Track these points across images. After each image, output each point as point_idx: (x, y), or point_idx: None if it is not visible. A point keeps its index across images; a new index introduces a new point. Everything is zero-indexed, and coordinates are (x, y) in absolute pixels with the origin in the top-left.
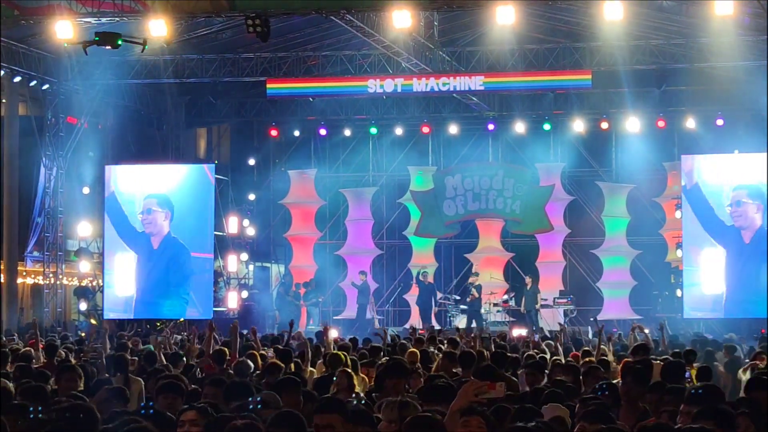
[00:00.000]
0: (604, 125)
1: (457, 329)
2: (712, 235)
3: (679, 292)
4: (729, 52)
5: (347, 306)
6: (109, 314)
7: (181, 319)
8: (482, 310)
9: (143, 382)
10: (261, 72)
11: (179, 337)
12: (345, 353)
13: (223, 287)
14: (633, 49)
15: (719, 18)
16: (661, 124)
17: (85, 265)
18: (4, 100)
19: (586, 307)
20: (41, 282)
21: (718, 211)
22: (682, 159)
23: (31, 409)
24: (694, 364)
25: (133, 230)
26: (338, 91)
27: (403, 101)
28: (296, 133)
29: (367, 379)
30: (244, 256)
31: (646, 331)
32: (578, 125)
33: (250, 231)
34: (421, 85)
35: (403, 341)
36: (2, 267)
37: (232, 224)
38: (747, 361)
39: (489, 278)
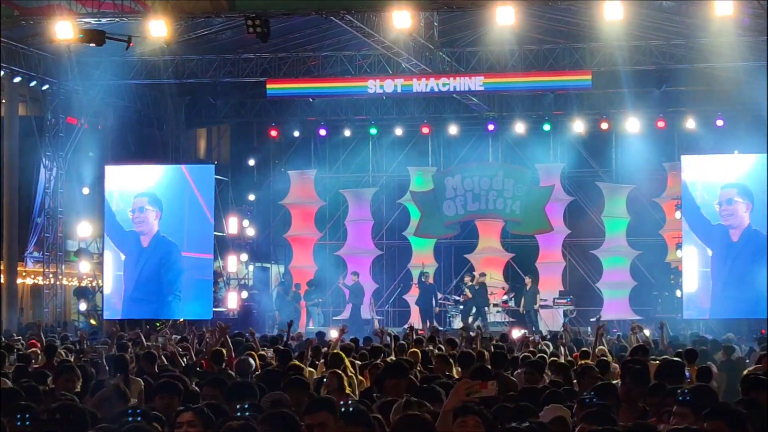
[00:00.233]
0: (604, 126)
1: (462, 329)
2: (698, 235)
3: (678, 293)
4: (729, 52)
5: (346, 307)
6: (106, 314)
7: (181, 320)
8: (487, 310)
9: (143, 383)
10: (261, 72)
11: (178, 337)
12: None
13: (222, 288)
14: (633, 49)
15: (719, 18)
16: (660, 124)
17: (84, 266)
18: (4, 101)
19: (585, 308)
20: (41, 282)
21: (704, 210)
22: (682, 159)
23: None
24: (696, 365)
25: (120, 229)
26: (338, 92)
27: (403, 102)
28: (296, 133)
29: (364, 380)
30: (244, 257)
31: (646, 332)
32: (578, 126)
33: (250, 231)
34: (421, 85)
35: (402, 342)
36: (2, 267)
37: (232, 225)
38: (747, 361)
39: (489, 279)
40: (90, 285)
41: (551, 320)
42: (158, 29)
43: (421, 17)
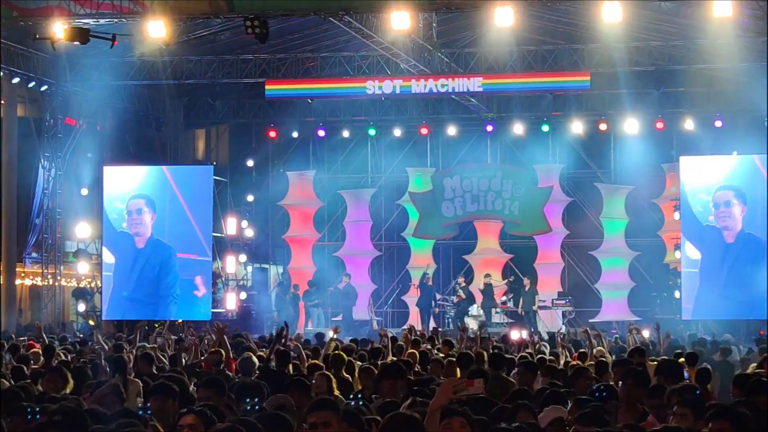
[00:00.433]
0: (603, 126)
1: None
2: (689, 236)
3: (677, 294)
4: (728, 53)
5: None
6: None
7: (179, 321)
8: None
9: (141, 384)
10: (259, 73)
11: (175, 338)
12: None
13: (221, 288)
14: (631, 50)
15: (718, 20)
16: (659, 125)
17: (83, 266)
18: (2, 102)
19: (584, 309)
20: (40, 283)
21: (698, 211)
22: (681, 160)
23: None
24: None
25: (112, 229)
26: (337, 93)
27: (402, 102)
28: (295, 134)
29: (353, 383)
30: (243, 258)
31: (645, 333)
32: (577, 126)
33: (249, 232)
34: (419, 86)
35: (401, 343)
36: (1, 268)
37: (231, 225)
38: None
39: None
40: (88, 286)
41: (550, 321)
42: (157, 30)
43: (419, 18)
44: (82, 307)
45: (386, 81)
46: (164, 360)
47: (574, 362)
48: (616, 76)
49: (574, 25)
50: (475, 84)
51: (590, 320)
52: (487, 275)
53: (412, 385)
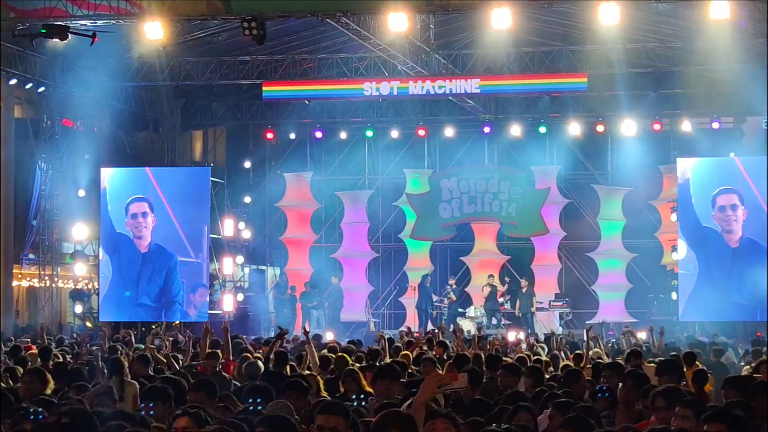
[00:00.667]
0: (600, 128)
1: (454, 332)
2: (687, 237)
3: (674, 295)
4: (725, 55)
5: (343, 309)
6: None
7: (176, 322)
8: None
9: (138, 386)
10: (257, 75)
11: (172, 338)
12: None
13: (218, 290)
14: (629, 52)
15: (715, 21)
16: (656, 127)
17: (80, 268)
18: (0, 103)
19: (581, 310)
20: (37, 285)
21: (695, 211)
22: (678, 162)
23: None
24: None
25: (111, 230)
26: (334, 94)
27: (399, 104)
28: (292, 135)
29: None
30: (240, 259)
31: (643, 335)
32: (574, 128)
33: (246, 234)
34: (417, 88)
35: (398, 344)
36: None
37: (228, 227)
38: (742, 364)
39: (484, 281)
40: (86, 287)
41: (547, 323)
42: (154, 31)
43: (417, 20)
44: (79, 308)
45: (383, 83)
46: (163, 360)
47: (569, 362)
48: (614, 77)
49: (572, 26)
50: (472, 85)
51: (587, 322)
52: (491, 276)
53: (409, 386)
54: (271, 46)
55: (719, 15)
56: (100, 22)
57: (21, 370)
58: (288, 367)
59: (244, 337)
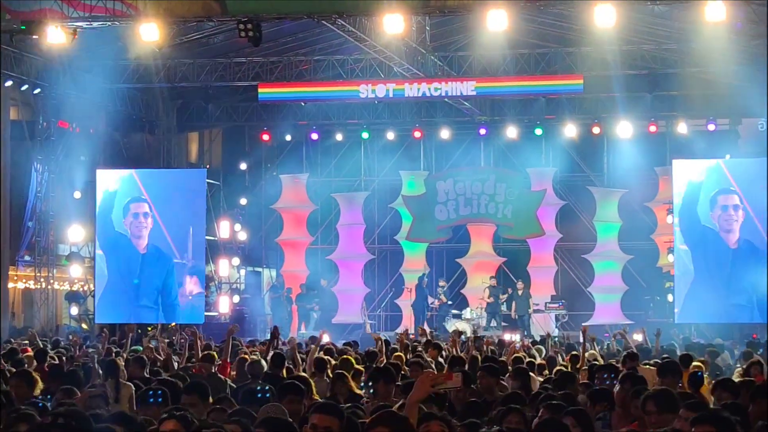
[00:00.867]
0: (596, 130)
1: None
2: (684, 235)
3: (670, 297)
4: (720, 57)
5: (338, 311)
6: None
7: (173, 324)
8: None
9: (133, 387)
10: (253, 76)
11: (167, 340)
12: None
13: (214, 292)
14: (624, 54)
15: (711, 23)
16: (652, 128)
17: (76, 270)
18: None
19: (577, 312)
20: (32, 287)
21: (693, 210)
22: (674, 164)
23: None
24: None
25: (109, 229)
26: (330, 96)
27: (395, 106)
28: (288, 137)
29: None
30: (236, 261)
31: (638, 337)
32: (570, 130)
33: (242, 235)
34: (413, 89)
35: (394, 345)
36: None
37: (224, 229)
38: (737, 366)
39: (480, 283)
40: (81, 289)
41: (543, 325)
42: (150, 33)
43: (412, 21)
44: (74, 310)
45: (379, 84)
46: (160, 358)
47: (565, 363)
48: (609, 79)
49: (567, 28)
50: (468, 87)
51: (583, 323)
52: (492, 278)
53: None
54: (267, 48)
55: (715, 17)
56: (95, 24)
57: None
58: (285, 370)
59: (240, 339)
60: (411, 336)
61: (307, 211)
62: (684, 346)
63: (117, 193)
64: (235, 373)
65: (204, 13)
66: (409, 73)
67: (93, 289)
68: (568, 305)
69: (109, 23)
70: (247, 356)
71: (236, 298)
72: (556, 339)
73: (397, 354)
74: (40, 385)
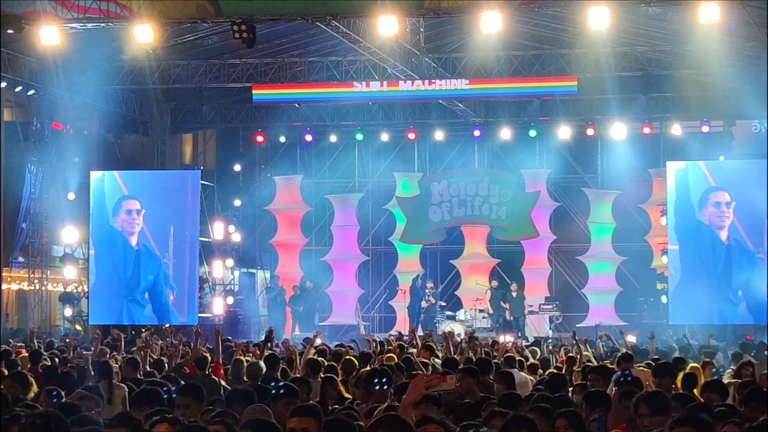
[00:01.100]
0: (590, 132)
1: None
2: (677, 232)
3: (664, 299)
4: (714, 58)
5: (332, 312)
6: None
7: (167, 325)
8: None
9: (127, 389)
10: (247, 78)
11: (161, 342)
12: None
13: (208, 293)
14: (619, 55)
15: (704, 25)
16: (646, 130)
17: (70, 271)
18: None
19: (571, 314)
20: (26, 288)
21: (686, 206)
22: (668, 165)
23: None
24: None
25: (105, 226)
26: (324, 97)
27: (389, 107)
28: (282, 139)
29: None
30: (230, 262)
31: (631, 338)
32: (564, 132)
33: (236, 237)
34: (406, 87)
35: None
36: None
37: (218, 230)
38: (732, 368)
39: (474, 284)
40: (75, 290)
41: (537, 326)
42: (144, 34)
43: (407, 23)
44: (68, 311)
45: (373, 83)
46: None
47: (560, 364)
48: (604, 81)
49: (561, 30)
50: (462, 86)
51: (577, 325)
52: (494, 280)
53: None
54: (261, 50)
55: (708, 18)
56: (89, 25)
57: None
58: (279, 371)
59: (234, 341)
60: (405, 338)
61: (301, 212)
62: (678, 348)
63: (105, 193)
64: (230, 375)
65: (198, 15)
66: (403, 75)
67: (87, 290)
68: (562, 307)
69: (103, 25)
70: (242, 358)
71: (230, 300)
72: (550, 341)
73: (389, 355)
74: (35, 388)
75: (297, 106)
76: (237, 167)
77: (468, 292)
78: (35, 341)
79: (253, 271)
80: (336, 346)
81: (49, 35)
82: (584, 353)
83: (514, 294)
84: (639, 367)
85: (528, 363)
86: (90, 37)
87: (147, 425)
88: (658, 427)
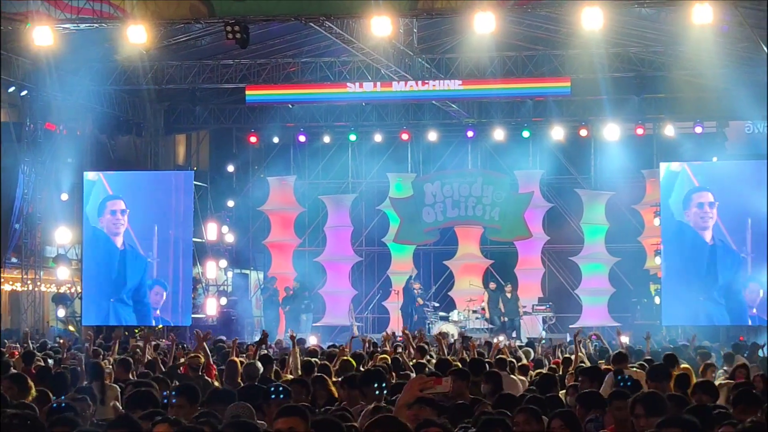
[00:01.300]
0: (583, 132)
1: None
2: (665, 235)
3: (657, 299)
4: (707, 59)
5: (326, 313)
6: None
7: (159, 326)
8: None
9: (119, 389)
10: (240, 78)
11: (154, 343)
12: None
13: (201, 294)
14: (612, 56)
15: (698, 26)
16: (639, 131)
17: (63, 272)
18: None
19: (564, 315)
20: (19, 289)
21: (672, 208)
22: (661, 166)
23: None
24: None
25: (90, 228)
26: (317, 98)
27: (383, 108)
28: (275, 139)
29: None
30: (223, 263)
31: (624, 339)
32: (557, 132)
33: (229, 238)
34: (400, 87)
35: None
36: None
37: (211, 231)
38: (725, 368)
39: (468, 285)
40: (68, 291)
41: (530, 327)
42: (137, 35)
43: (400, 24)
44: (61, 312)
45: (367, 84)
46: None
47: (553, 365)
48: (597, 81)
49: (555, 30)
50: (455, 86)
51: (571, 326)
52: (492, 282)
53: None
54: (255, 50)
55: (701, 19)
56: (83, 26)
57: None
58: (272, 372)
59: (227, 342)
60: (399, 338)
61: (295, 213)
62: (670, 349)
63: (91, 193)
64: (224, 377)
65: (191, 15)
66: (396, 75)
67: (80, 291)
68: (555, 307)
69: (96, 25)
70: (236, 359)
71: (223, 301)
72: (544, 342)
73: (382, 356)
74: (33, 392)
75: (290, 106)
76: (230, 168)
77: (461, 292)
78: (30, 342)
79: (247, 271)
80: (329, 346)
81: (42, 36)
82: (579, 354)
83: (508, 295)
84: (632, 368)
85: (519, 364)
86: (83, 37)
87: (144, 426)
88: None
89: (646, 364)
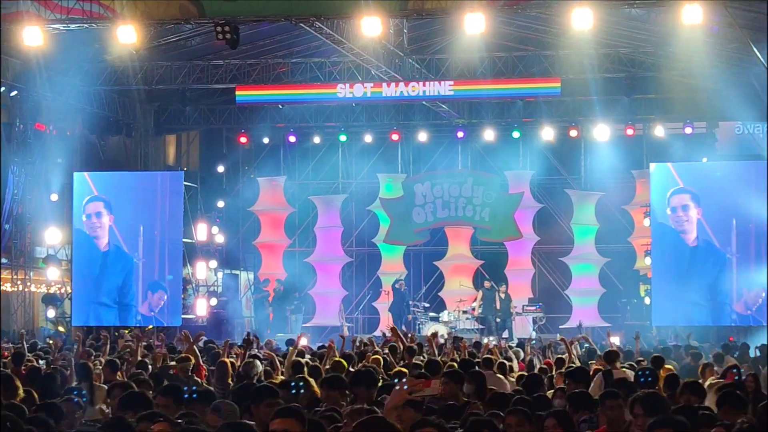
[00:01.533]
0: (573, 133)
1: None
2: (654, 238)
3: (647, 300)
4: (697, 60)
5: (316, 314)
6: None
7: (149, 327)
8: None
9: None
10: (230, 79)
11: (144, 343)
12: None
13: (191, 295)
14: (602, 57)
15: (687, 27)
16: (630, 131)
17: (53, 272)
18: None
19: (555, 315)
20: (9, 289)
21: (656, 211)
22: (651, 167)
23: None
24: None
25: (76, 230)
26: (308, 98)
27: (373, 108)
28: (265, 140)
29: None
30: (213, 264)
31: (614, 340)
32: (547, 133)
33: (219, 238)
34: (390, 89)
35: (378, 349)
36: None
37: (201, 231)
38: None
39: (458, 286)
40: (58, 292)
41: (521, 328)
42: (127, 35)
43: (390, 24)
44: (51, 313)
45: (357, 85)
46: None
47: (544, 366)
48: (587, 82)
49: (545, 31)
50: (445, 89)
51: (560, 326)
52: (487, 281)
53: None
54: (245, 51)
55: (691, 20)
56: (72, 26)
57: None
58: (263, 373)
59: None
60: (389, 338)
61: (285, 213)
62: (660, 349)
63: (75, 194)
64: (215, 377)
65: (181, 16)
66: (386, 76)
67: (70, 291)
68: (545, 308)
69: (86, 25)
70: (226, 360)
71: (213, 301)
72: (534, 342)
73: (374, 357)
74: (21, 392)
75: (280, 107)
76: (220, 168)
77: (451, 293)
78: (24, 343)
79: (237, 272)
80: (319, 347)
81: (31, 36)
82: (572, 355)
83: (502, 295)
84: (622, 368)
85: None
86: (73, 38)
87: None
88: None
89: (635, 364)
